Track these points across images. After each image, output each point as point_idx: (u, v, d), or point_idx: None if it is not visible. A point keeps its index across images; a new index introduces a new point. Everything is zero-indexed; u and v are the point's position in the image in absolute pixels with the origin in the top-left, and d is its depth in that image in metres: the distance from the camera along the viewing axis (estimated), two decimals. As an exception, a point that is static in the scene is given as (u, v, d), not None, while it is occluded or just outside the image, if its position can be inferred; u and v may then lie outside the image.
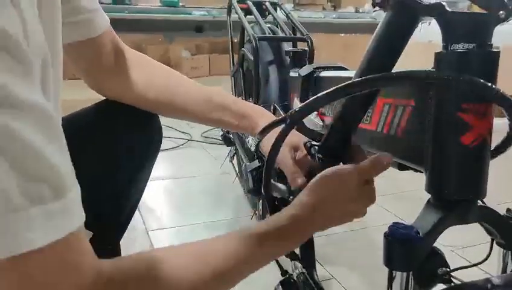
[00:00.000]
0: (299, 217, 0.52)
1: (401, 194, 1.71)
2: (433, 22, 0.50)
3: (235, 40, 1.57)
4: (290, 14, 1.41)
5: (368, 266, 1.26)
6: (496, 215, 0.53)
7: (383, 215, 1.58)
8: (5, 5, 0.30)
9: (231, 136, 1.54)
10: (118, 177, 0.72)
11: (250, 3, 1.45)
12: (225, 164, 1.79)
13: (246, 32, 1.36)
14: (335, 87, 0.50)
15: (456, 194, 0.50)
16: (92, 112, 0.72)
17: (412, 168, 0.60)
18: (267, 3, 1.47)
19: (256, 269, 0.50)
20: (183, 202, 1.78)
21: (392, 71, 0.53)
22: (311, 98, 0.52)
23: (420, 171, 0.56)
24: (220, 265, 0.46)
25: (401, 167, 0.62)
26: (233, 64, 1.58)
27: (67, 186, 0.34)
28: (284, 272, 0.71)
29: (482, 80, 0.45)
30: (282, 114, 1.02)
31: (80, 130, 0.65)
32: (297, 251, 0.71)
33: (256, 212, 1.32)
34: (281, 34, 1.37)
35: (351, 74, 0.62)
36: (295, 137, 0.70)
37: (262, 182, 0.60)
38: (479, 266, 0.59)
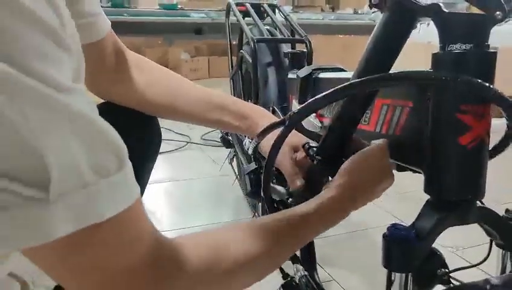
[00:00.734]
0: (336, 197, 0.54)
1: (402, 195, 1.71)
2: (432, 22, 0.50)
3: (234, 43, 1.58)
4: (289, 16, 1.41)
5: (368, 267, 1.26)
6: (494, 216, 0.53)
7: (384, 216, 1.58)
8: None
9: (230, 138, 1.54)
10: None
11: (248, 5, 1.45)
12: (224, 166, 1.78)
13: (244, 34, 1.37)
14: (333, 88, 0.50)
15: (455, 195, 0.50)
16: None
17: (410, 169, 0.60)
18: (265, 5, 1.47)
19: (297, 249, 0.54)
20: (183, 204, 1.78)
21: (390, 72, 0.53)
22: (309, 100, 0.53)
23: (419, 172, 0.56)
24: (272, 243, 0.48)
25: (400, 168, 0.62)
26: (232, 66, 1.58)
27: (126, 157, 0.35)
28: (285, 275, 0.71)
29: (479, 80, 0.45)
30: (281, 116, 1.02)
31: None
32: (298, 253, 0.71)
33: (256, 214, 1.32)
34: (279, 36, 1.38)
35: (349, 75, 0.62)
36: (295, 138, 0.70)
37: (261, 185, 0.60)
38: (479, 266, 0.59)
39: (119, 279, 0.36)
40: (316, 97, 0.51)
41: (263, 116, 0.75)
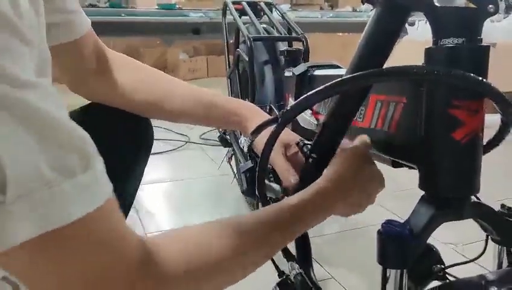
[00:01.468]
0: (322, 188, 0.53)
1: (400, 193, 1.71)
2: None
3: (231, 42, 1.57)
4: (285, 14, 1.41)
5: (366, 265, 1.25)
6: (490, 211, 0.53)
7: (382, 213, 1.57)
8: None
9: (228, 137, 1.54)
10: None
11: (245, 4, 1.45)
12: (223, 165, 1.78)
13: (241, 33, 1.36)
14: (325, 85, 0.50)
15: (449, 191, 0.50)
16: (78, 115, 0.71)
17: (406, 165, 0.60)
18: (262, 4, 1.47)
19: (288, 242, 0.53)
20: (182, 204, 1.78)
21: (383, 67, 0.53)
22: (302, 97, 0.52)
23: (414, 168, 0.56)
24: (259, 234, 0.48)
25: (395, 164, 0.62)
26: (229, 65, 1.58)
27: (94, 156, 0.34)
28: (280, 273, 0.70)
29: (472, 75, 0.45)
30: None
31: None
32: (293, 251, 0.71)
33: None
34: (276, 34, 1.37)
35: (344, 72, 0.62)
36: (287, 135, 0.70)
37: (256, 183, 0.60)
38: (476, 262, 0.58)
39: (97, 282, 0.34)
40: (308, 94, 0.51)
41: (256, 114, 0.75)
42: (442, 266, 0.53)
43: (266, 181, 0.76)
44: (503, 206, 0.55)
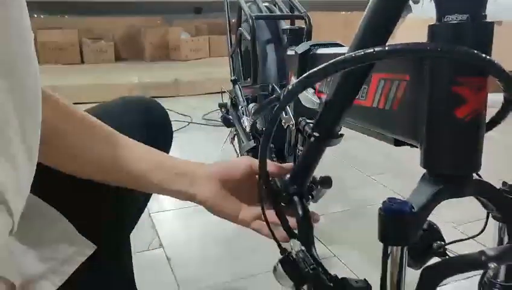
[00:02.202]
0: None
1: (401, 171, 1.71)
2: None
3: (233, 20, 1.56)
4: (288, -8, 1.39)
5: (368, 244, 1.26)
6: (491, 188, 0.53)
7: (384, 192, 1.58)
8: None
9: (230, 117, 1.53)
10: None
11: (246, -19, 1.42)
12: (226, 146, 1.79)
13: (242, 11, 1.35)
14: (327, 63, 0.50)
15: (451, 168, 0.50)
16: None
17: (408, 144, 0.60)
18: (264, -18, 1.45)
19: None
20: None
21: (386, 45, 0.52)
22: (303, 75, 0.52)
23: (416, 147, 0.56)
24: None
25: (397, 143, 0.62)
26: (231, 44, 1.57)
27: None
28: (282, 250, 0.71)
29: (476, 51, 0.45)
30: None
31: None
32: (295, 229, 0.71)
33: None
34: (278, 13, 1.36)
35: (347, 50, 0.61)
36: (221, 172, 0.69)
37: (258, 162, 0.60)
38: (477, 239, 0.59)
39: None
40: (309, 72, 0.51)
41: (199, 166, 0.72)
42: (443, 243, 0.53)
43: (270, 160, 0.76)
44: (504, 183, 0.55)
